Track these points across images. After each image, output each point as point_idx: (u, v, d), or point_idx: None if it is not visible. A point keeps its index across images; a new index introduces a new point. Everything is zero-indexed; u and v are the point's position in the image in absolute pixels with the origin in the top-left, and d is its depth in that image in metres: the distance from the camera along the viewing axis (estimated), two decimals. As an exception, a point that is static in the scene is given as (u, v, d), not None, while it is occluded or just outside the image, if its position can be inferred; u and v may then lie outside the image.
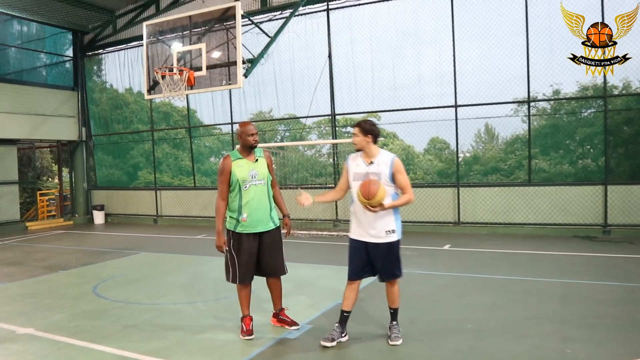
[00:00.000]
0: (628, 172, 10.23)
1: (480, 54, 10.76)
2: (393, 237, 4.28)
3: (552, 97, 10.91)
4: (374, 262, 4.29)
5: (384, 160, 4.27)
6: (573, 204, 10.04)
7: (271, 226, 4.62)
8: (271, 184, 4.69)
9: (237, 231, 4.52)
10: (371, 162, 4.27)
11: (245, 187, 4.48)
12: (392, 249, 4.28)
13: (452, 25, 10.86)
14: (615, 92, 10.33)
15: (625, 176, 10.18)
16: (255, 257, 4.59)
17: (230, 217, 4.58)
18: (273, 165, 4.80)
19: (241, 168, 4.49)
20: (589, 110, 10.95)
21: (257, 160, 4.58)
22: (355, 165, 4.34)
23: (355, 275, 4.36)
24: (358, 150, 4.35)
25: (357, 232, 4.34)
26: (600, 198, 9.87)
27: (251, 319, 4.69)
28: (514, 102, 10.85)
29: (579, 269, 7.12)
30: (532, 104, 10.68)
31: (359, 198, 4.09)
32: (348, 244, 4.43)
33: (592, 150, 11.08)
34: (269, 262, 4.65)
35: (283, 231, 4.81)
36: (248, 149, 4.57)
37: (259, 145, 4.70)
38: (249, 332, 4.60)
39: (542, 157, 11.42)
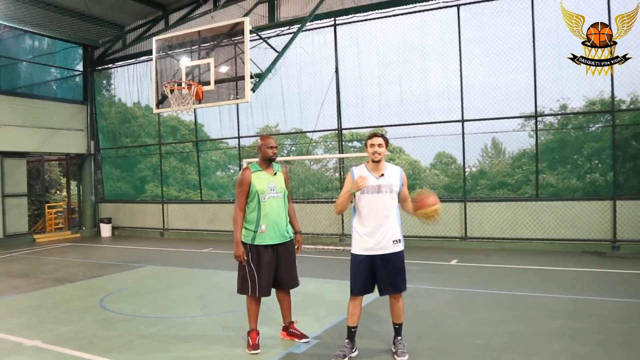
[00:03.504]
0: (637, 187, 10.16)
1: (487, 69, 10.79)
2: (400, 247, 4.30)
3: (559, 112, 10.89)
4: (380, 275, 4.27)
5: (393, 173, 4.31)
6: (581, 219, 9.97)
7: (287, 238, 4.68)
8: (287, 199, 4.75)
9: (255, 244, 4.54)
10: (382, 175, 4.28)
11: (264, 198, 4.53)
12: (399, 259, 4.29)
13: (459, 40, 10.91)
14: (623, 106, 10.31)
15: (634, 191, 10.10)
16: (274, 270, 4.61)
17: (246, 229, 4.58)
18: (289, 181, 4.87)
19: (261, 180, 4.56)
20: (596, 125, 10.93)
21: (275, 173, 4.66)
22: None
23: (359, 291, 4.33)
24: (376, 162, 4.28)
25: (362, 247, 4.30)
26: (609, 213, 9.79)
27: (258, 333, 4.67)
28: (521, 117, 10.84)
29: (587, 285, 7.04)
30: (539, 118, 10.66)
31: (428, 212, 4.24)
32: (350, 260, 4.41)
33: (600, 165, 11.03)
34: (286, 274, 4.68)
35: None
36: (267, 162, 4.65)
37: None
38: (255, 347, 4.58)
39: (549, 172, 11.38)
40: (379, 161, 4.28)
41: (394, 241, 4.26)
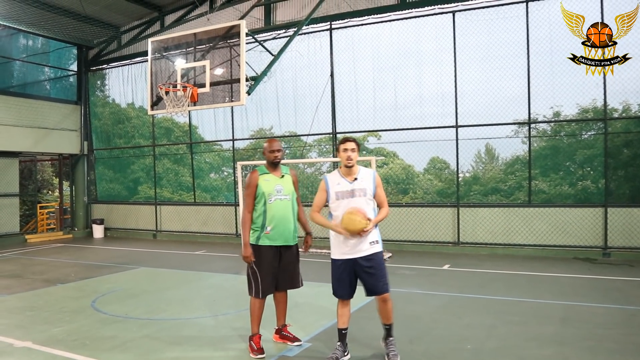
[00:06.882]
0: (628, 195, 10.25)
1: (481, 75, 10.86)
2: (377, 248, 4.30)
3: (553, 119, 10.98)
4: (361, 277, 4.28)
5: (366, 176, 4.32)
6: (573, 226, 10.04)
7: (291, 242, 4.73)
8: (295, 202, 4.79)
9: (258, 244, 4.58)
10: (355, 179, 4.28)
11: (271, 200, 4.59)
12: (377, 260, 4.28)
13: (454, 46, 10.98)
14: (615, 114, 10.40)
15: (625, 198, 10.20)
16: (276, 271, 4.65)
17: (253, 230, 4.63)
18: (298, 184, 4.92)
19: (267, 182, 4.62)
20: (589, 133, 11.02)
21: (283, 176, 4.72)
22: (336, 185, 4.31)
23: (344, 294, 4.38)
24: (349, 167, 4.28)
25: (341, 251, 4.33)
26: (601, 220, 9.87)
27: (260, 337, 4.67)
28: (514, 124, 10.91)
29: (578, 291, 7.09)
30: (532, 125, 10.74)
31: (357, 225, 4.06)
32: (331, 265, 4.42)
33: (592, 172, 11.11)
34: (288, 275, 4.75)
35: (300, 250, 4.92)
36: (273, 165, 4.72)
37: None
38: (261, 351, 4.55)
39: (542, 179, 11.45)
40: (352, 166, 4.28)
41: (370, 242, 4.26)
